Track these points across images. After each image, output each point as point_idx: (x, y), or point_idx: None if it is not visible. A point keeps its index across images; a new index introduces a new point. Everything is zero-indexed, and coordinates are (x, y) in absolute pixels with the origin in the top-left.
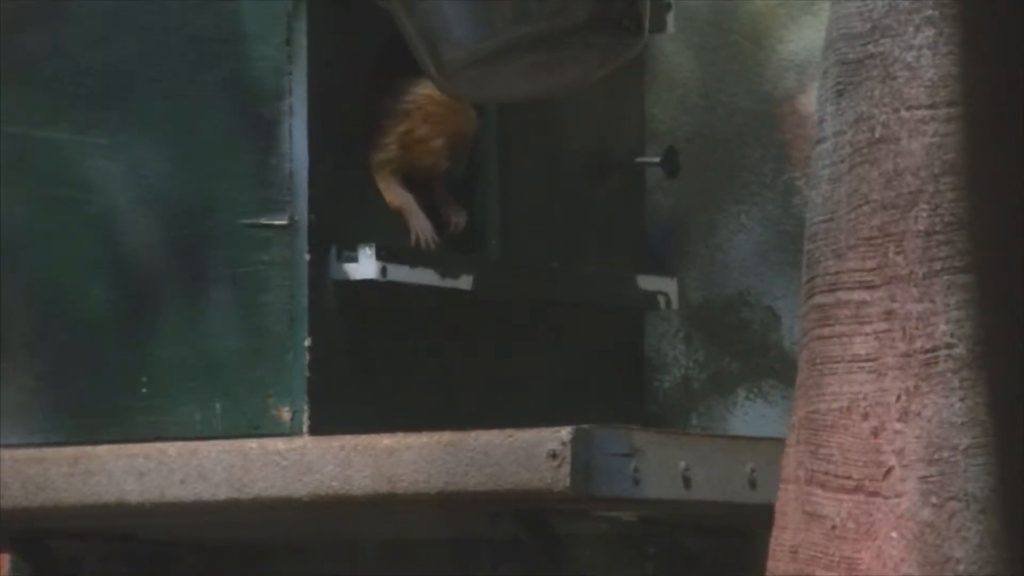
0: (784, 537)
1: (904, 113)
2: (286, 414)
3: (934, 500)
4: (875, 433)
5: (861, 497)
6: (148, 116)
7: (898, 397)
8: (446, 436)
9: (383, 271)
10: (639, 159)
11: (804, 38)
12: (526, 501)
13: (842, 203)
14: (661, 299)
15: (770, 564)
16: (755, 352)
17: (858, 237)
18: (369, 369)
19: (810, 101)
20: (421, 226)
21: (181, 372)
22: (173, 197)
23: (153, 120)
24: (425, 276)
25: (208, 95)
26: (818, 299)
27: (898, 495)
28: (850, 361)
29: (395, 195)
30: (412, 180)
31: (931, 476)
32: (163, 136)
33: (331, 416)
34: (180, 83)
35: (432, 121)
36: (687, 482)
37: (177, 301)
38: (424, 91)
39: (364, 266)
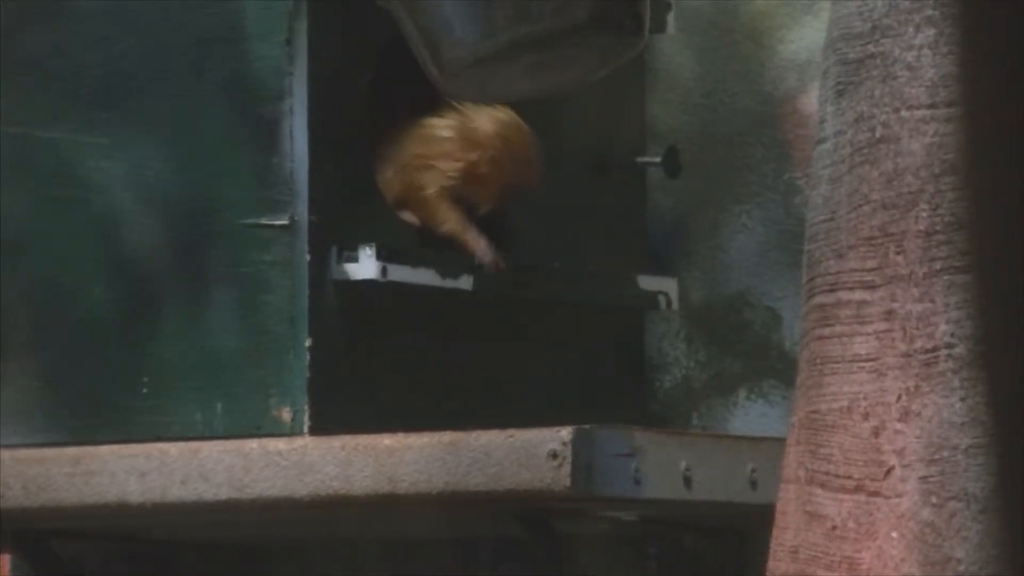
0: (785, 537)
1: (904, 113)
2: (287, 414)
3: (934, 500)
4: (875, 433)
5: (862, 497)
6: (149, 116)
7: (898, 397)
8: (447, 436)
9: (383, 271)
10: (640, 159)
11: (805, 38)
12: (527, 501)
13: (842, 203)
14: (662, 299)
15: (771, 564)
16: (756, 352)
17: (858, 237)
18: (370, 369)
19: (811, 101)
20: (483, 249)
21: (182, 372)
22: (173, 197)
23: (154, 120)
24: (425, 276)
25: (209, 95)
26: (819, 299)
27: (899, 495)
28: (850, 361)
29: (455, 221)
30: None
31: (931, 476)
32: (164, 136)
33: (332, 416)
34: (181, 83)
35: (496, 165)
36: (688, 482)
37: (178, 301)
38: (503, 133)
39: (364, 266)
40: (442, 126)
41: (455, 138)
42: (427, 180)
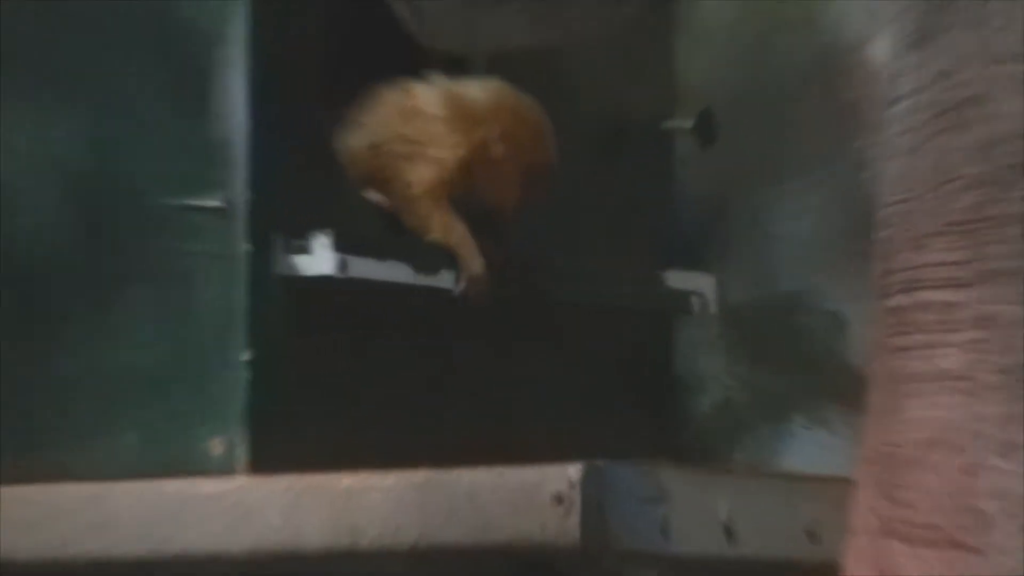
0: None
1: (997, 68)
2: (219, 447)
3: None
4: (968, 471)
5: (951, 552)
6: (50, 70)
7: (997, 425)
8: (421, 475)
9: (343, 265)
10: (666, 124)
11: None
12: (524, 556)
13: (922, 179)
14: (695, 301)
15: None
16: (815, 368)
17: (944, 222)
18: (324, 389)
19: (881, 52)
20: (477, 272)
21: (85, 394)
22: (78, 169)
23: (58, 72)
24: (396, 272)
25: (125, 42)
26: (894, 300)
27: (1000, 550)
28: (935, 379)
29: (452, 229)
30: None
31: None
32: (69, 92)
33: (276, 449)
34: (90, 28)
35: (511, 144)
36: (730, 533)
37: (81, 303)
38: (507, 103)
39: (319, 259)
40: (430, 100)
41: (449, 117)
42: (416, 175)
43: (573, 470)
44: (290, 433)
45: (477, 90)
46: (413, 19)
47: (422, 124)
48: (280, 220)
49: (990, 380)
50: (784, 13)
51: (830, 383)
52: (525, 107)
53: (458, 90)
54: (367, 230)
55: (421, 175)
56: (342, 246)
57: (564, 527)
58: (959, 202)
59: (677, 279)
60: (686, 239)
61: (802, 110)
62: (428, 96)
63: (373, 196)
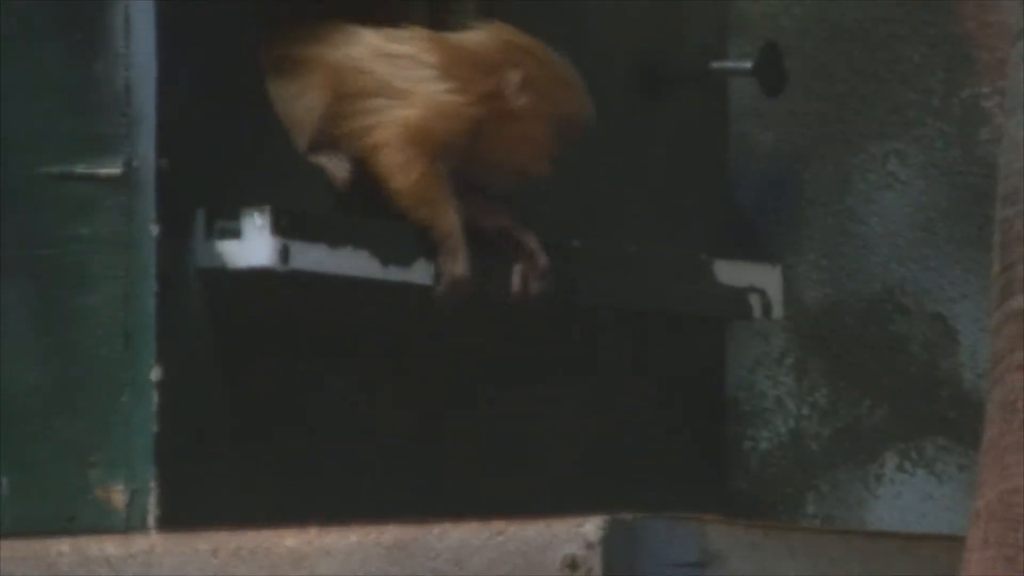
0: None
1: None
2: (120, 495)
3: None
4: None
5: None
6: None
7: None
8: (391, 533)
9: (284, 254)
10: (718, 64)
11: None
12: None
13: None
14: (755, 301)
15: None
16: (913, 391)
17: None
18: (259, 420)
19: None
20: (460, 274)
21: None
22: None
23: None
24: (355, 263)
25: None
26: (1018, 302)
27: None
28: None
29: (439, 201)
30: None
31: None
32: None
33: (195, 499)
34: None
35: (538, 88)
36: None
37: None
38: (519, 43)
39: (252, 245)
40: (418, 44)
41: (444, 64)
42: (393, 115)
43: (591, 527)
44: (213, 478)
45: (477, 35)
46: None
47: (408, 69)
48: (200, 193)
49: None
50: None
51: (934, 411)
52: (542, 48)
53: (451, 39)
54: (316, 206)
55: (400, 115)
56: (283, 227)
57: None
58: None
59: (731, 272)
60: (743, 218)
61: (896, 47)
62: (412, 42)
63: (324, 162)
